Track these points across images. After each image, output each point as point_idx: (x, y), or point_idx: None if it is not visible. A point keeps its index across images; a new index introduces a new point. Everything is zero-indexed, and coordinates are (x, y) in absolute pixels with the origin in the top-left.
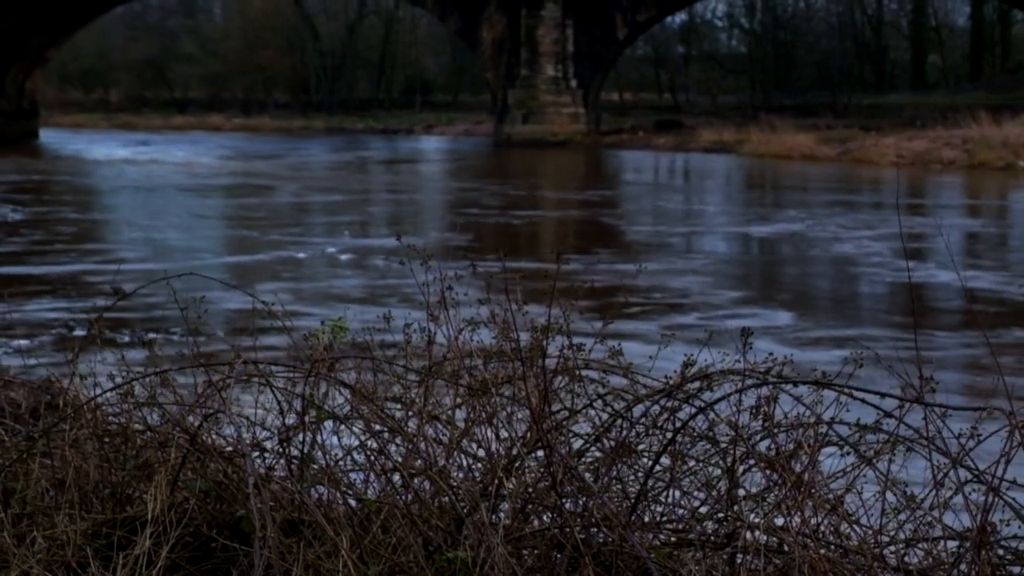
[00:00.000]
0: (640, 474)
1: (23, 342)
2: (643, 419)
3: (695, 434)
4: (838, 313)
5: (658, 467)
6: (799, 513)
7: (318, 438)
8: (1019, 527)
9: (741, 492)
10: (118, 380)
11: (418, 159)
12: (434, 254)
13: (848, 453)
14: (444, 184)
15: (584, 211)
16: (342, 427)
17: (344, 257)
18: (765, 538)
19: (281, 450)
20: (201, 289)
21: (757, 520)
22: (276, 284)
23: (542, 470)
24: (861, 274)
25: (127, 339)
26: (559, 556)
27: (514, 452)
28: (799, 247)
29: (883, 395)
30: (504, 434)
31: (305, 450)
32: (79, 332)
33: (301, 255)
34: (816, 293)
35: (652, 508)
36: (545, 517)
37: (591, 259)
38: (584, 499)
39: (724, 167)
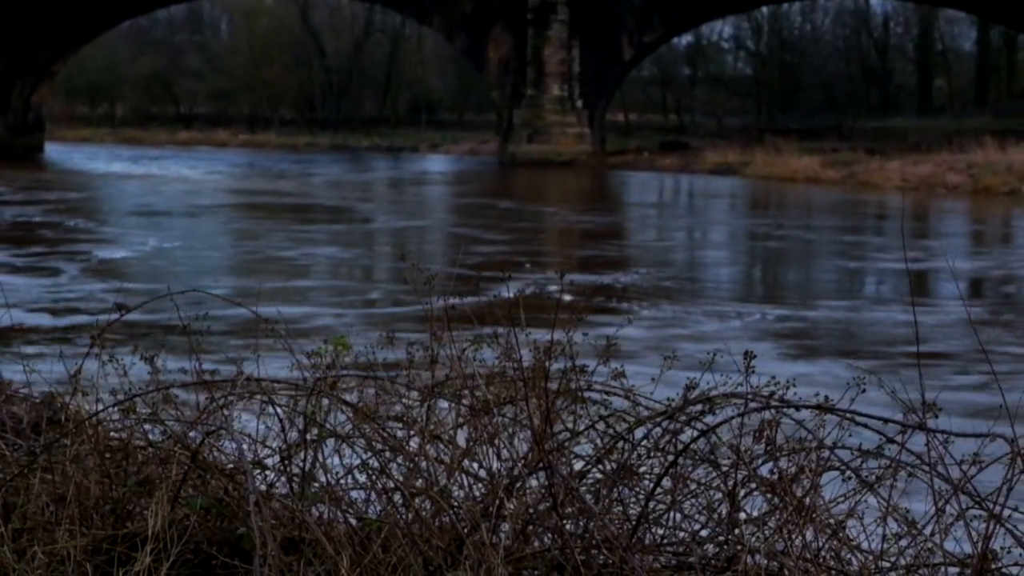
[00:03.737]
0: (641, 496)
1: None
2: (645, 441)
3: (697, 457)
4: None
5: (659, 489)
6: (800, 537)
7: (319, 456)
8: (1021, 555)
9: (742, 516)
10: (120, 396)
11: (444, 178)
12: (653, 293)
13: (850, 478)
14: (516, 207)
15: (724, 239)
16: (344, 445)
17: (569, 297)
18: (766, 562)
19: (282, 468)
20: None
21: (758, 544)
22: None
23: (543, 491)
24: None
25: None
26: None
27: (515, 473)
28: None
29: (885, 420)
30: (506, 454)
31: (306, 468)
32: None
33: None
34: None
35: (653, 531)
36: (546, 538)
37: (838, 305)
38: (585, 521)
39: (759, 192)
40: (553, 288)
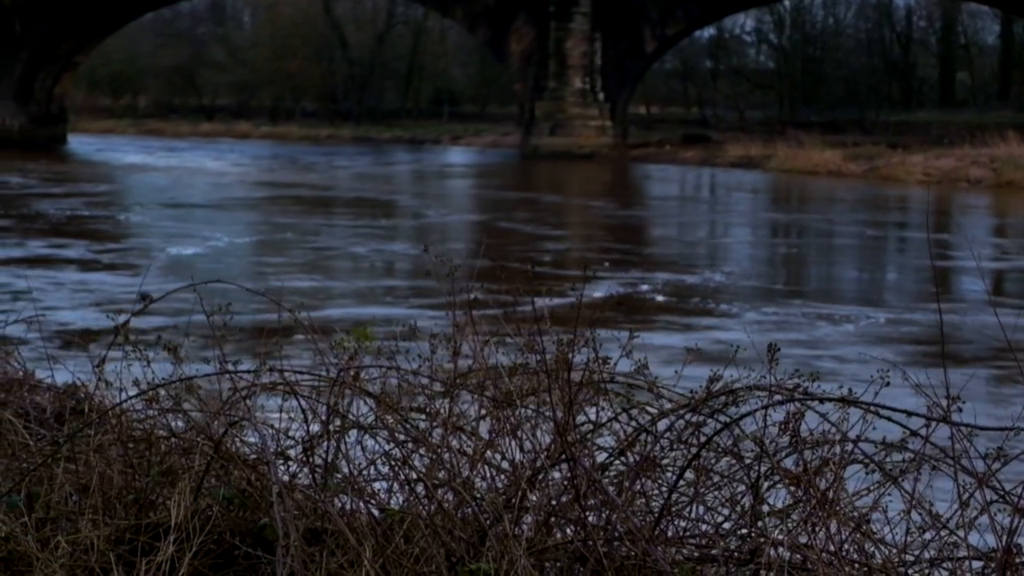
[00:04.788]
0: (664, 488)
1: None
2: (668, 433)
3: (720, 449)
4: None
5: (682, 482)
6: (824, 530)
7: (342, 447)
8: None
9: (765, 508)
10: (143, 386)
11: (473, 171)
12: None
13: (873, 471)
14: (561, 202)
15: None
16: (366, 436)
17: (662, 299)
18: (789, 555)
19: (305, 458)
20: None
21: (781, 537)
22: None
23: (566, 483)
24: None
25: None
26: (581, 569)
27: (538, 464)
28: None
29: (909, 414)
30: (528, 446)
31: (329, 459)
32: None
33: (601, 293)
34: None
35: (676, 523)
36: (568, 530)
37: (943, 308)
38: (607, 513)
39: (790, 186)
40: (644, 288)
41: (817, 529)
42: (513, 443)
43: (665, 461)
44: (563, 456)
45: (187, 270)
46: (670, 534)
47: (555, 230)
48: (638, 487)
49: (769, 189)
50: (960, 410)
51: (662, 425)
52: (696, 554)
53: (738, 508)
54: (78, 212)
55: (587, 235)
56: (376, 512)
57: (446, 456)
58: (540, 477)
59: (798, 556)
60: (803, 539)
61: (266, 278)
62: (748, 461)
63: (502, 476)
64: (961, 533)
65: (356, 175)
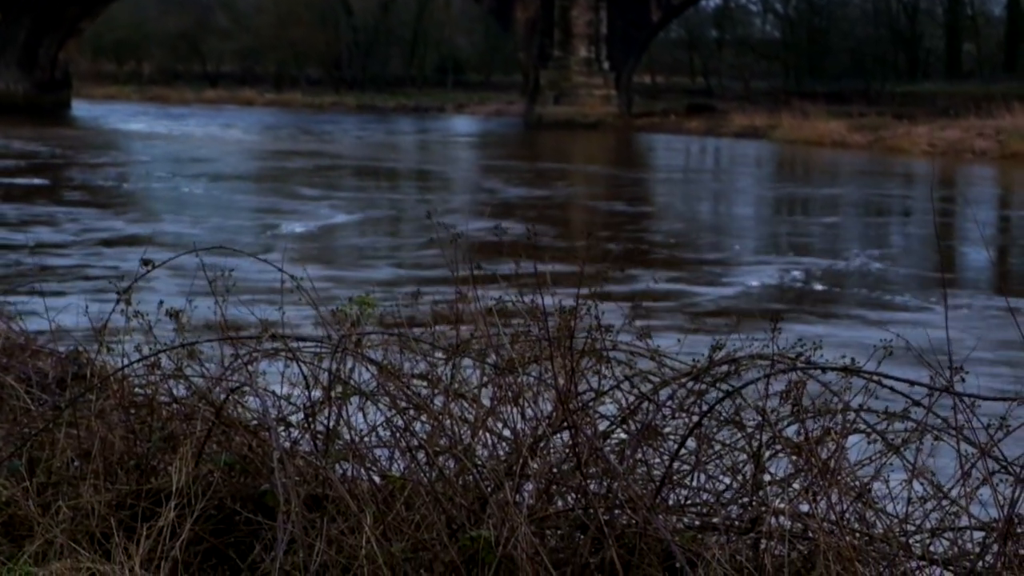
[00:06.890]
0: (665, 457)
1: None
2: (670, 402)
3: (722, 418)
4: None
5: (684, 450)
6: (825, 500)
7: (343, 414)
8: None
9: (767, 477)
10: (145, 352)
11: (491, 140)
12: None
13: (875, 441)
14: (612, 174)
15: None
16: (368, 403)
17: (821, 287)
18: (790, 524)
19: (306, 425)
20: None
21: (782, 506)
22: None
23: (567, 451)
24: None
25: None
26: (582, 537)
27: (540, 432)
28: None
29: (912, 383)
30: (530, 414)
31: (330, 425)
32: None
33: (756, 281)
34: None
35: (677, 491)
36: (569, 498)
37: None
38: (609, 481)
39: (813, 158)
40: (796, 275)
41: (818, 498)
42: (515, 411)
43: (667, 430)
44: (565, 424)
45: (333, 254)
46: (671, 502)
47: (632, 206)
48: (640, 455)
49: (791, 162)
50: (963, 380)
51: (664, 394)
52: (697, 522)
53: (739, 477)
54: (137, 184)
55: (670, 213)
56: (377, 479)
57: (447, 423)
58: (542, 445)
59: (799, 525)
60: (804, 508)
61: (414, 261)
62: (750, 430)
63: (503, 444)
64: (963, 503)
65: (376, 144)
